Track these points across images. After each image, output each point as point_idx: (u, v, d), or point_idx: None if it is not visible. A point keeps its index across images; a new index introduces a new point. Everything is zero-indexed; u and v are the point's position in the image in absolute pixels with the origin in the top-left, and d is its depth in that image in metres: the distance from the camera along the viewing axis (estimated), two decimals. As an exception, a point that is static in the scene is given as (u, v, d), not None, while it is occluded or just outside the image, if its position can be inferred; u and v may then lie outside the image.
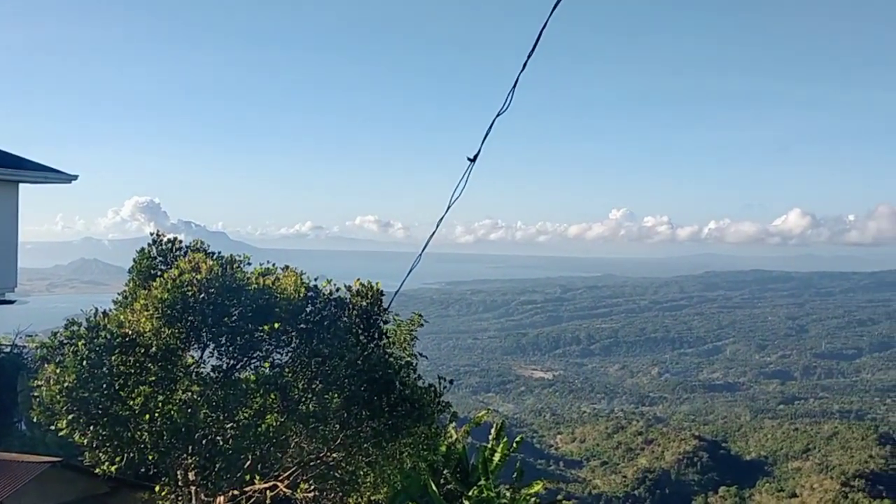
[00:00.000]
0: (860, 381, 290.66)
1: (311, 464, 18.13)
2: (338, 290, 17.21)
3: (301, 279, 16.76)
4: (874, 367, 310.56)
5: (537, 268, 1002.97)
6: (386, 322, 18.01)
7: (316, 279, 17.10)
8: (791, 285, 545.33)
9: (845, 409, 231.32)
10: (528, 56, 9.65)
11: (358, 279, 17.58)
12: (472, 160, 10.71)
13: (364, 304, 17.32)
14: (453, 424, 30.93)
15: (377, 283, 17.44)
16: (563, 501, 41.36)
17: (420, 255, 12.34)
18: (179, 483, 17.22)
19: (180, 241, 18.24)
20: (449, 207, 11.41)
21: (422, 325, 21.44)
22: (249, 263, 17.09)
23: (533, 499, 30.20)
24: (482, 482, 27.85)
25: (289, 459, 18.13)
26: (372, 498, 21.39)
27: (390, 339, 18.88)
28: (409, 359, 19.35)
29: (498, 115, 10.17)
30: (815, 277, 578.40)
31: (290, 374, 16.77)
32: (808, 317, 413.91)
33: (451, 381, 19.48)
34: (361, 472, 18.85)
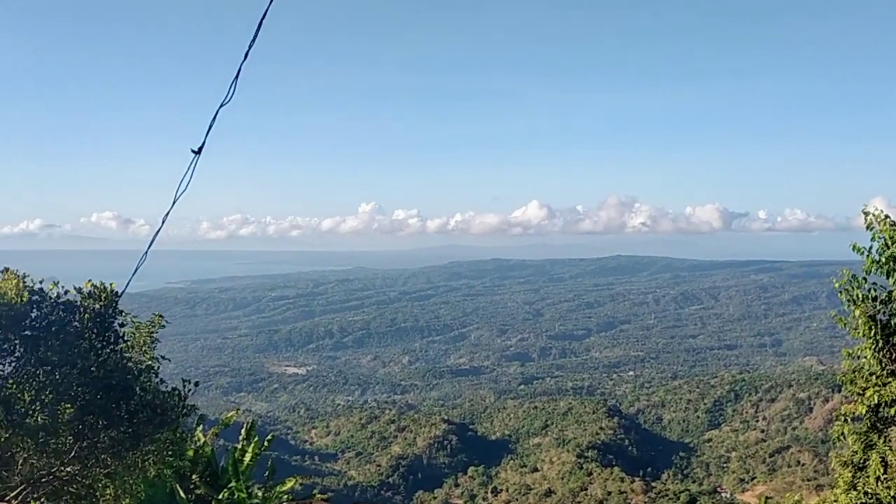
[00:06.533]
0: (590, 359, 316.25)
1: (43, 480, 16.90)
2: (67, 292, 16.07)
3: (24, 282, 15.49)
4: (601, 346, 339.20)
5: (289, 263, 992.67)
6: (123, 325, 17.09)
7: (41, 282, 15.87)
8: (527, 272, 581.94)
9: (578, 385, 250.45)
10: (249, 47, 9.54)
11: (90, 280, 16.54)
12: (197, 152, 10.39)
13: (97, 306, 16.32)
14: (201, 427, 30.10)
15: (111, 284, 16.50)
16: (318, 496, 41.55)
17: (146, 253, 11.79)
18: None
19: None
20: (175, 202, 10.97)
21: (163, 326, 20.63)
22: (-38, 267, 15.55)
23: (286, 496, 30.10)
24: (233, 484, 27.35)
25: (16, 477, 16.75)
26: (113, 511, 20.29)
27: (128, 343, 17.98)
28: (149, 362, 18.57)
29: (221, 105, 9.96)
30: (548, 264, 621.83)
31: (14, 386, 15.48)
32: (543, 301, 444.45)
33: (196, 384, 18.92)
34: (100, 485, 17.83)
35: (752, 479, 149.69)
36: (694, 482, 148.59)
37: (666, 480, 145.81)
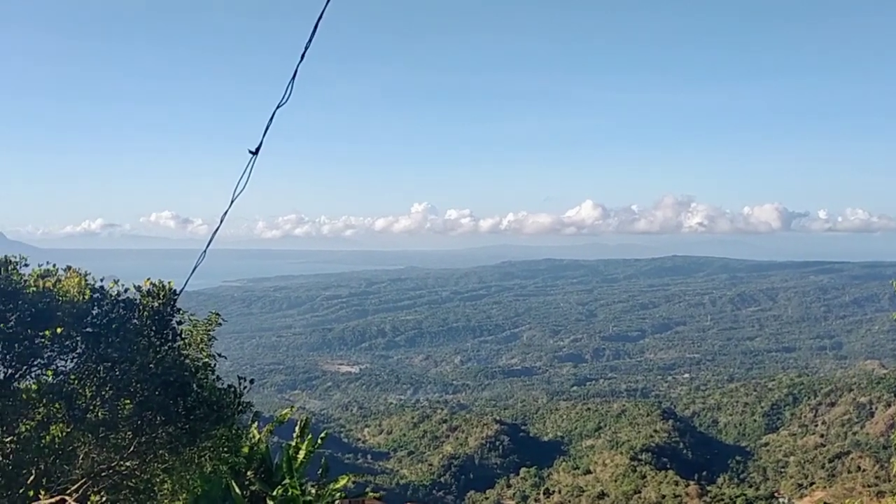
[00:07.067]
0: (644, 360, 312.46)
1: (103, 474, 17.23)
2: (126, 290, 16.37)
3: (85, 280, 15.81)
4: (656, 348, 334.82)
5: (342, 262, 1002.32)
6: (180, 323, 17.36)
7: (102, 280, 16.19)
8: (580, 273, 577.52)
9: (632, 387, 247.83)
10: (306, 47, 9.61)
11: (148, 279, 16.82)
12: (255, 153, 10.50)
13: (156, 304, 16.58)
14: (256, 424, 30.47)
15: (169, 283, 16.77)
16: (371, 494, 41.69)
17: (204, 252, 11.96)
18: (-48, 505, 15.84)
19: (-55, 243, 16.64)
20: (232, 202, 11.09)
21: (220, 324, 20.89)
22: (27, 265, 15.89)
23: (339, 494, 30.28)
24: (287, 481, 27.61)
25: (77, 471, 17.12)
26: (170, 505, 20.62)
27: (186, 341, 18.25)
28: (206, 360, 18.82)
29: (278, 106, 10.05)
30: (602, 265, 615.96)
31: (76, 381, 15.81)
32: (597, 302, 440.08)
33: (251, 381, 19.12)
34: (158, 480, 18.15)
35: (811, 484, 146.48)
36: (750, 487, 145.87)
37: (722, 484, 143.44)
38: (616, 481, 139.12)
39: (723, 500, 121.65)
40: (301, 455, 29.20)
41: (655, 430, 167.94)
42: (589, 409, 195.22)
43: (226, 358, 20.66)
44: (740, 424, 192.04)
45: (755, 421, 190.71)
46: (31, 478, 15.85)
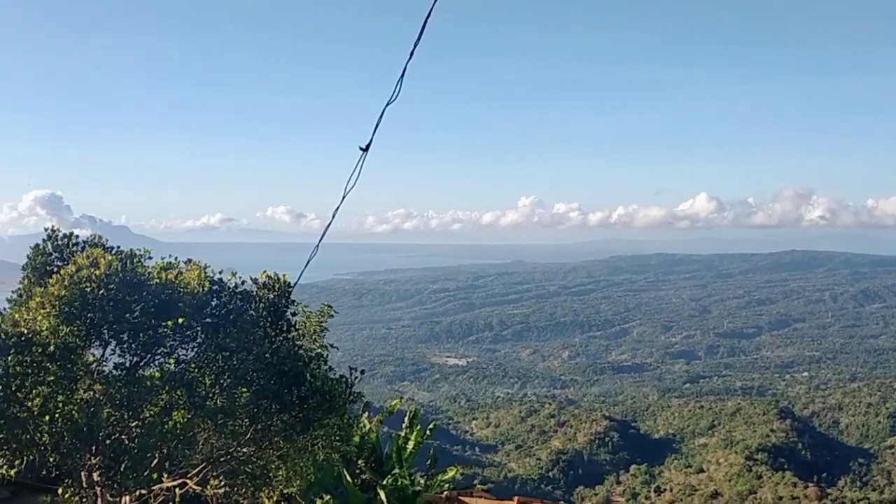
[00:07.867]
0: (760, 358, 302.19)
1: (221, 459, 17.82)
2: (243, 282, 16.90)
3: (205, 273, 16.41)
4: (773, 345, 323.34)
5: (449, 256, 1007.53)
6: (295, 314, 17.79)
7: (221, 272, 16.76)
8: (693, 268, 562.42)
9: (747, 385, 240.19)
10: (415, 45, 9.72)
11: (264, 271, 17.31)
12: (365, 149, 10.68)
13: (271, 296, 17.03)
14: (366, 414, 30.99)
15: (284, 275, 17.20)
16: (479, 486, 41.83)
17: (317, 246, 12.25)
18: (84, 484, 16.66)
19: (77, 236, 17.57)
20: (344, 197, 11.34)
21: (332, 316, 21.29)
22: (150, 258, 16.63)
23: (447, 484, 30.48)
24: (396, 470, 27.97)
25: (197, 456, 17.76)
26: (285, 491, 21.19)
27: (300, 332, 18.68)
28: (319, 350, 19.21)
29: (388, 104, 10.19)
30: (716, 259, 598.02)
31: (196, 370, 16.39)
32: (710, 298, 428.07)
33: (362, 372, 19.38)
34: (273, 466, 18.64)
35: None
36: (874, 490, 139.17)
37: (843, 487, 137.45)
38: (730, 481, 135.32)
39: (844, 503, 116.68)
40: (410, 445, 29.52)
41: (772, 430, 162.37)
42: (702, 406, 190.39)
43: (338, 349, 21.05)
44: (863, 425, 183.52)
45: (879, 422, 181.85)
46: (156, 461, 16.56)
